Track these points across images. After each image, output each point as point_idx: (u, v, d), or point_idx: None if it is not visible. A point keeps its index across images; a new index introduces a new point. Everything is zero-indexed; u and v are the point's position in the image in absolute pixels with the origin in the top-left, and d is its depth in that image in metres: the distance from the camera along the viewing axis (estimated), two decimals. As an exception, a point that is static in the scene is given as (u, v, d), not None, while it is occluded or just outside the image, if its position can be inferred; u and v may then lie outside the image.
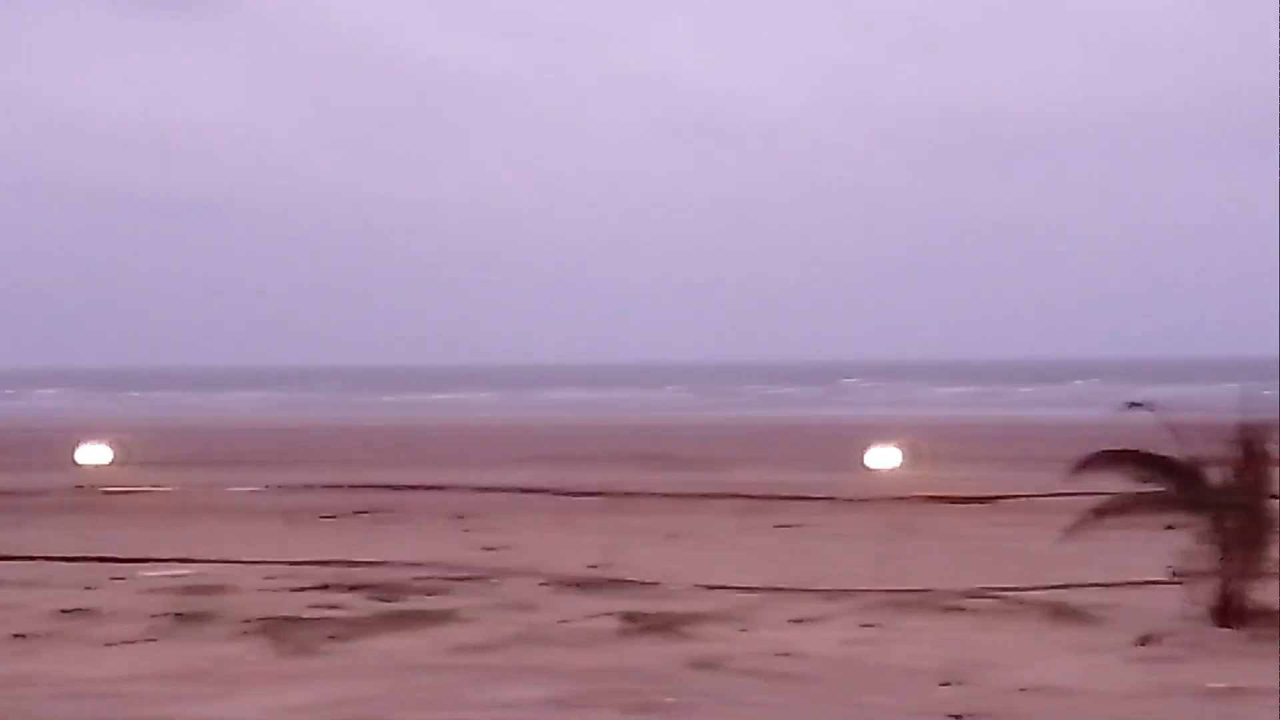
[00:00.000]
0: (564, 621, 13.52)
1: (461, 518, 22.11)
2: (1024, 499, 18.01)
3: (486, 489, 21.31)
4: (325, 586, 15.89)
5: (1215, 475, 12.78)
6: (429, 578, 16.45)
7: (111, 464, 17.83)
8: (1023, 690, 10.79)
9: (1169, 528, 13.78)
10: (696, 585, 15.63)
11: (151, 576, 16.63)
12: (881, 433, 17.80)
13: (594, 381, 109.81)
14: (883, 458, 16.06)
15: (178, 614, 13.81)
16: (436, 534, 20.51)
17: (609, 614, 13.70)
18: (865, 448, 15.73)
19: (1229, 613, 12.27)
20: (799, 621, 13.35)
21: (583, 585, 15.84)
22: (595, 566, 16.48)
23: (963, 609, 13.53)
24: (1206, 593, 12.66)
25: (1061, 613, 13.22)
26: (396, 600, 15.01)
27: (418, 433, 52.72)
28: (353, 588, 15.67)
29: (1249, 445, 12.56)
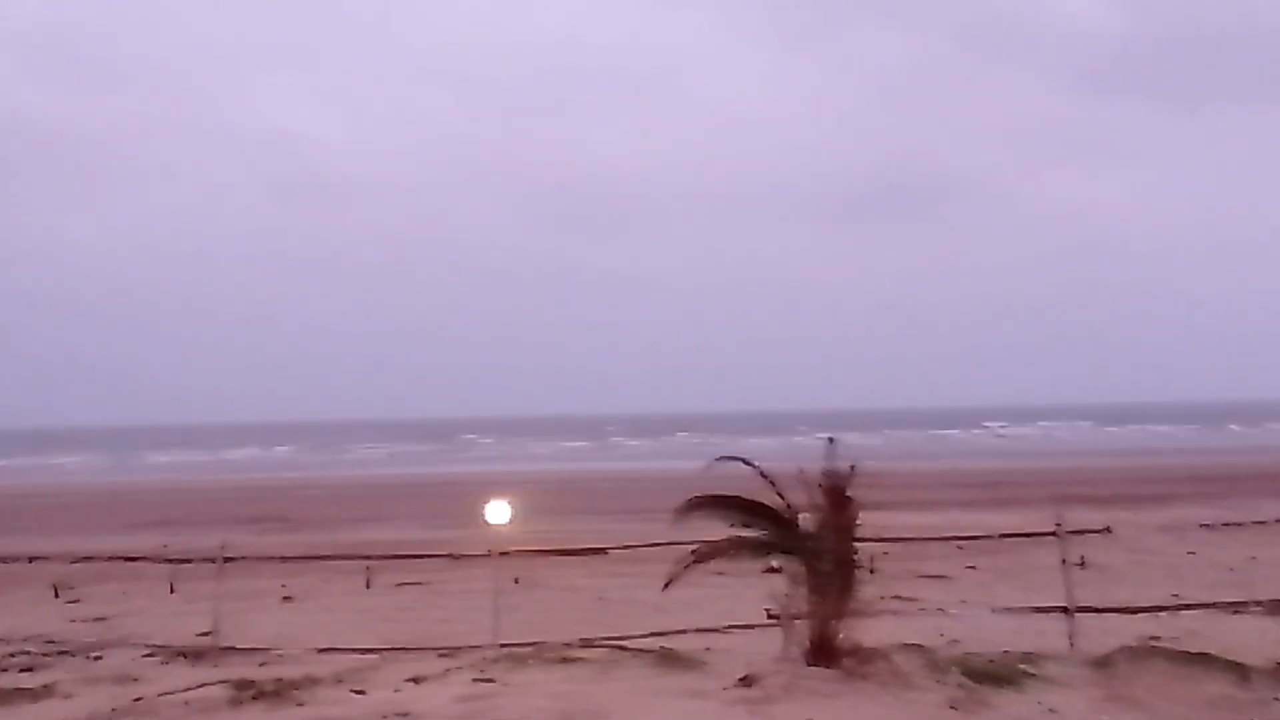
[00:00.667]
0: (167, 694, 12.93)
1: (62, 588, 20.93)
2: (633, 549, 18.38)
3: (89, 557, 20.21)
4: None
5: (806, 521, 13.33)
6: (25, 653, 15.48)
7: None
8: (630, 737, 10.98)
9: (769, 571, 14.32)
10: (312, 649, 15.25)
11: None
12: (498, 487, 17.84)
13: (199, 442, 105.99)
14: (499, 512, 16.06)
15: None
16: (34, 606, 19.33)
17: (219, 683, 13.18)
18: (483, 503, 15.70)
19: (822, 652, 12.78)
20: (416, 680, 13.17)
21: (191, 654, 15.22)
22: (206, 634, 15.85)
23: (576, 659, 13.65)
24: (801, 633, 13.16)
25: (668, 659, 13.50)
26: (-12, 678, 14.07)
27: (9, 499, 49.62)
28: (-62, 668, 14.61)
29: (834, 492, 13.16)
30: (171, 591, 21.17)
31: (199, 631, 16.11)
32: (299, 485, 55.58)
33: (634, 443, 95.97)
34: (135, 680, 13.68)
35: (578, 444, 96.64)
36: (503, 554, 15.75)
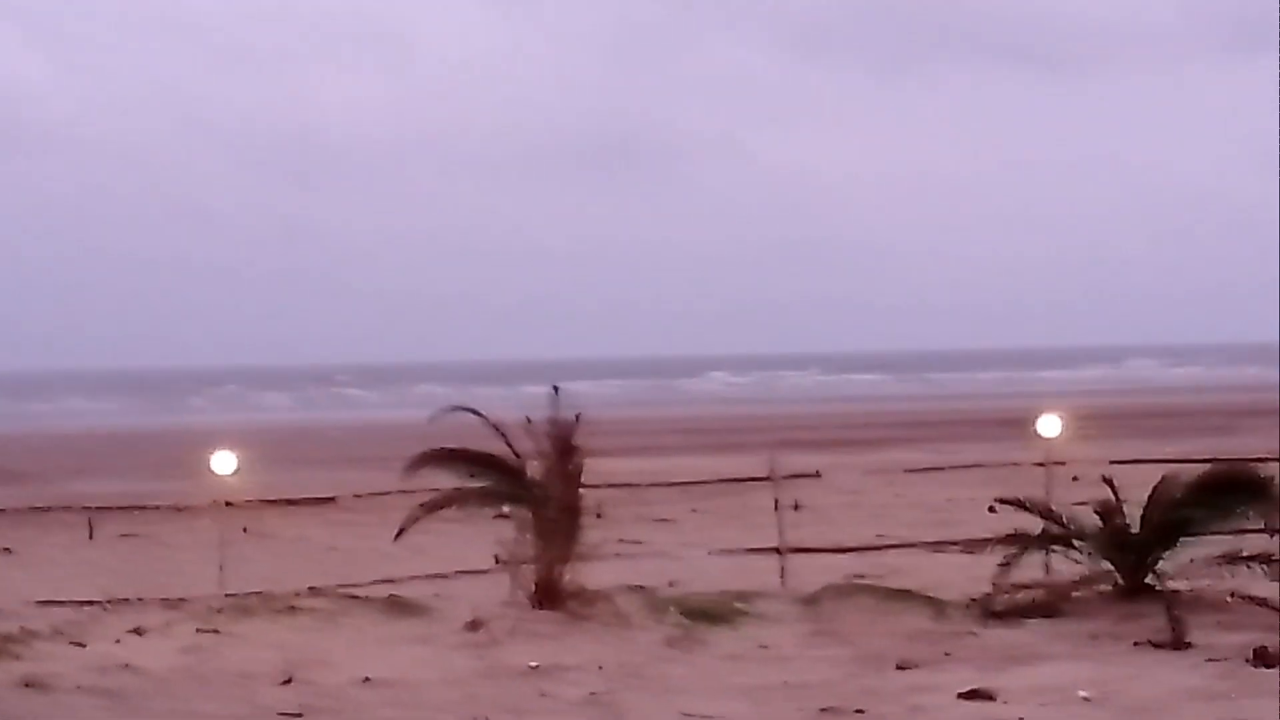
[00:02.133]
0: None
1: None
2: (362, 498, 18.25)
3: None
4: None
5: (533, 469, 13.49)
6: None
7: None
8: (358, 683, 10.96)
9: (498, 518, 14.44)
10: (30, 602, 14.69)
11: None
12: (225, 438, 17.43)
13: None
14: (223, 463, 15.70)
15: None
16: None
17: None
18: (205, 454, 15.35)
19: (548, 595, 12.99)
20: (137, 632, 12.83)
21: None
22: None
23: (301, 609, 13.49)
24: (528, 578, 13.34)
25: (396, 606, 13.49)
26: None
27: None
28: None
29: (561, 441, 13.36)
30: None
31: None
32: (10, 436, 53.19)
33: (364, 393, 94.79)
34: None
35: (306, 393, 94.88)
36: (228, 504, 15.44)
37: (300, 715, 9.81)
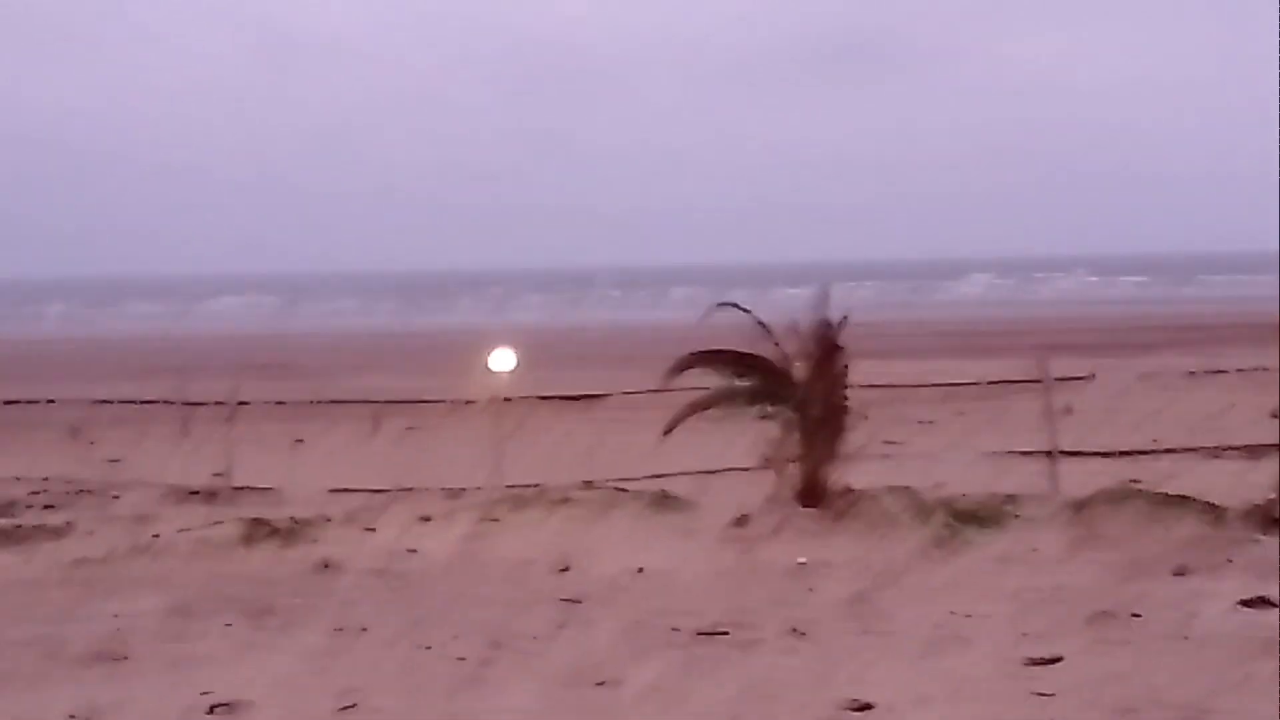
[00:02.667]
0: (184, 531, 13.16)
1: (78, 431, 21.10)
2: (628, 396, 18.54)
3: (104, 401, 20.36)
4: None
5: (799, 371, 13.47)
6: (44, 493, 15.70)
7: None
8: (631, 572, 11.23)
9: (762, 418, 14.48)
10: (322, 490, 15.47)
11: None
12: (495, 338, 17.93)
13: (180, 292, 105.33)
14: (502, 360, 16.18)
15: None
16: (53, 448, 19.51)
17: (231, 521, 13.41)
18: (480, 353, 15.82)
19: (812, 494, 13.01)
20: (422, 521, 13.41)
21: (205, 495, 15.45)
22: (219, 475, 16.05)
23: (574, 501, 13.86)
24: (792, 477, 13.38)
25: (664, 501, 13.72)
26: (10, 517, 14.29)
27: (25, 345, 49.80)
28: (-39, 506, 14.83)
29: (825, 342, 13.29)
30: (184, 435, 21.35)
31: (212, 473, 16.29)
32: (297, 335, 55.76)
33: (624, 295, 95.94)
34: (153, 518, 13.91)
35: (569, 296, 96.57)
36: (504, 400, 15.89)
37: (577, 602, 10.10)
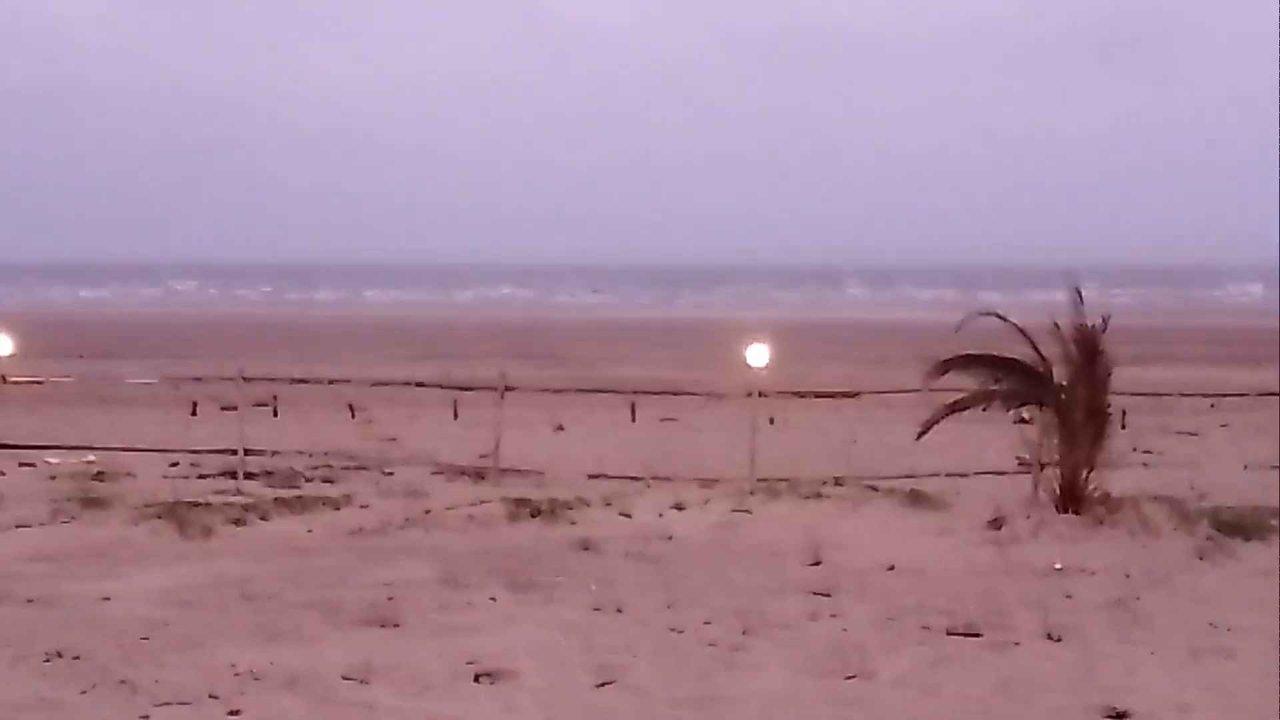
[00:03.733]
0: (453, 507, 13.58)
1: (356, 410, 22.01)
2: (883, 394, 18.35)
3: (379, 383, 21.19)
4: (225, 474, 15.80)
5: (1059, 374, 13.10)
6: (325, 466, 16.39)
7: (10, 355, 17.40)
8: (882, 568, 11.11)
9: (1019, 422, 14.16)
10: (581, 474, 15.75)
11: (57, 463, 16.36)
12: (747, 332, 17.95)
13: (435, 279, 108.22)
14: (753, 355, 16.20)
15: (83, 499, 13.61)
16: (332, 425, 20.40)
17: (495, 500, 13.78)
18: (732, 346, 15.88)
19: (1071, 498, 12.65)
20: (676, 507, 13.54)
21: (471, 474, 15.90)
22: (484, 456, 16.50)
23: (826, 495, 13.79)
24: (1051, 480, 13.03)
25: (916, 499, 13.54)
26: (293, 487, 14.97)
27: (309, 328, 52.12)
28: (251, 475, 15.59)
29: (1086, 345, 12.89)
30: (455, 417, 22.05)
31: (479, 454, 16.76)
32: (556, 324, 56.86)
33: (871, 292, 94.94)
34: (424, 494, 14.39)
35: (818, 291, 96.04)
36: (759, 394, 15.91)
37: (829, 594, 10.04)
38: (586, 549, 11.74)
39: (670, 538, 12.38)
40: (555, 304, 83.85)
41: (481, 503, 13.73)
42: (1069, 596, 10.14)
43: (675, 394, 20.59)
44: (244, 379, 17.19)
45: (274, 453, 16.60)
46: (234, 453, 16.10)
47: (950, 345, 13.61)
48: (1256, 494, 13.82)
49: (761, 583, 10.53)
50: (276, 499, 13.89)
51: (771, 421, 19.21)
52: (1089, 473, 12.65)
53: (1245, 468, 16.20)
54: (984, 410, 13.56)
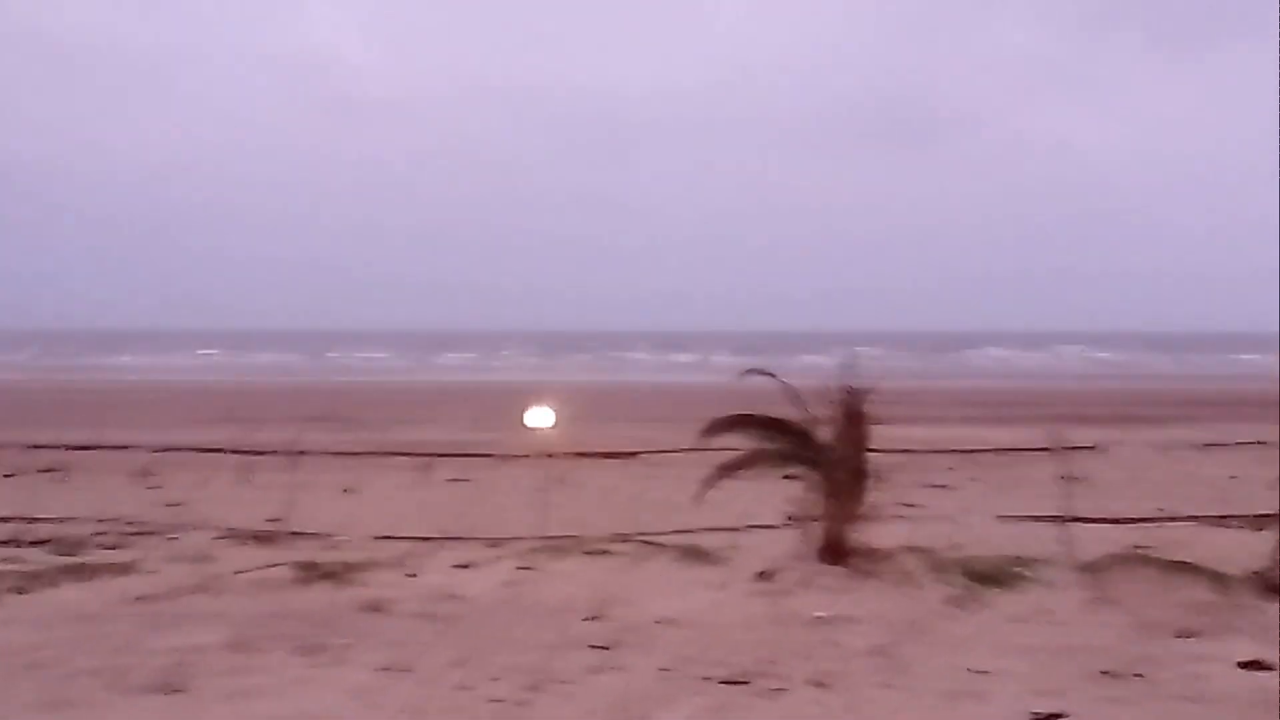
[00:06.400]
0: (241, 572, 13.16)
1: (144, 475, 21.21)
2: (665, 454, 18.52)
3: (169, 448, 20.50)
4: (7, 542, 15.03)
5: (823, 433, 13.40)
6: (111, 533, 15.74)
7: None
8: (660, 621, 11.13)
9: (787, 478, 14.42)
10: (371, 536, 15.46)
11: None
12: (537, 394, 17.97)
13: (232, 344, 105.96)
14: (542, 417, 16.21)
15: None
16: (119, 491, 19.60)
17: (284, 564, 13.40)
18: (524, 408, 15.85)
19: (835, 551, 12.91)
20: (463, 566, 13.37)
21: (260, 538, 15.45)
22: (273, 520, 16.06)
23: (609, 552, 13.80)
24: (816, 535, 13.28)
25: (693, 554, 13.64)
26: (78, 554, 14.31)
27: (99, 393, 50.17)
28: (35, 543, 14.87)
29: (850, 407, 13.23)
30: (244, 482, 21.45)
31: (268, 517, 16.32)
32: (350, 388, 56.00)
33: (659, 357, 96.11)
34: (213, 559, 13.91)
35: (607, 356, 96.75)
36: (547, 455, 15.88)
37: (608, 647, 10.02)
38: (376, 610, 11.49)
39: (459, 597, 12.20)
40: (349, 368, 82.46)
41: (271, 566, 13.33)
42: (832, 644, 10.31)
43: (466, 456, 20.44)
44: (29, 446, 16.43)
45: (60, 519, 15.87)
46: (15, 520, 15.33)
47: (728, 405, 13.82)
48: (1006, 544, 14.32)
49: (547, 639, 10.45)
50: (62, 566, 13.26)
51: (559, 481, 19.19)
52: (850, 527, 12.95)
53: (995, 519, 16.79)
54: (757, 468, 13.78)
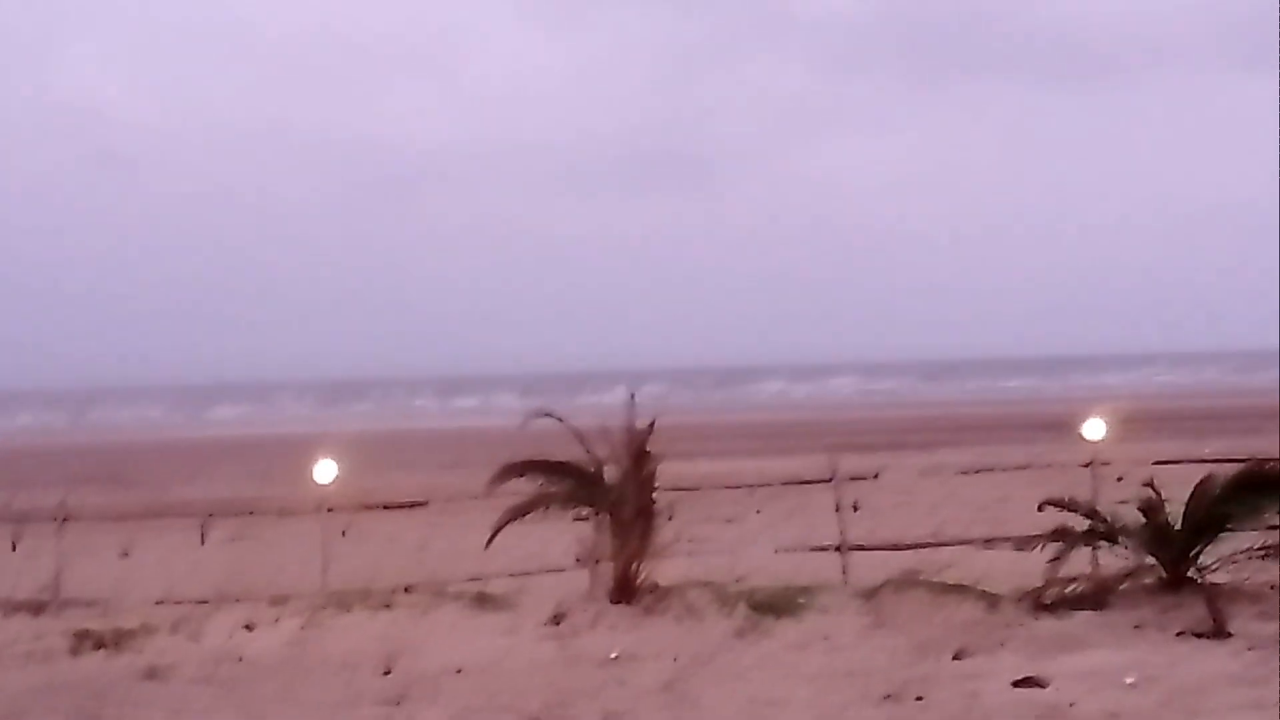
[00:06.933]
0: (12, 644, 12.54)
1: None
2: (449, 502, 18.40)
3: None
4: None
5: (609, 473, 13.52)
6: None
7: None
8: (451, 671, 11.05)
9: (577, 519, 14.48)
10: (149, 600, 14.92)
11: None
12: (322, 445, 17.62)
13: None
14: (325, 470, 15.88)
15: None
16: None
17: (59, 633, 12.83)
18: (308, 460, 15.52)
19: (624, 591, 13.01)
20: (245, 627, 13.00)
21: (30, 607, 14.74)
22: (46, 588, 15.33)
23: (397, 604, 13.60)
24: (605, 575, 13.37)
25: (484, 600, 13.56)
26: None
27: None
28: None
29: (635, 446, 13.38)
30: (14, 549, 20.45)
31: (39, 585, 15.58)
32: (120, 446, 53.99)
33: (447, 402, 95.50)
34: (-23, 633, 13.21)
35: (394, 402, 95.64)
36: (329, 509, 15.59)
37: (398, 702, 9.89)
38: (153, 678, 11.11)
39: (240, 659, 11.87)
40: (117, 425, 79.41)
41: (41, 637, 12.74)
42: (622, 683, 10.39)
43: (247, 513, 19.95)
44: None
45: None
46: None
47: (515, 448, 13.82)
48: (788, 574, 14.65)
49: (334, 696, 10.26)
50: None
51: (344, 534, 18.86)
52: (639, 565, 13.08)
53: (776, 551, 17.18)
54: (545, 510, 13.81)
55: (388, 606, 13.48)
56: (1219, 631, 11.06)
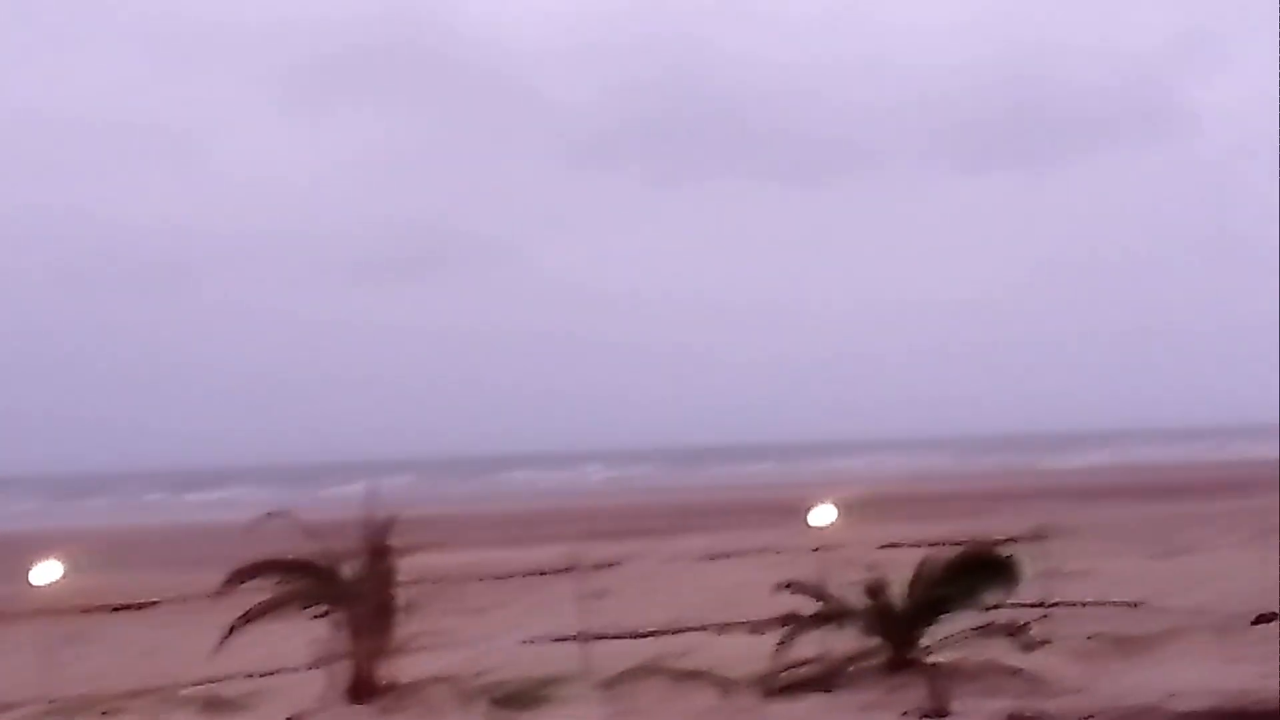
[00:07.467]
0: None
1: None
2: (182, 602, 17.72)
3: None
4: None
5: (348, 568, 13.30)
6: None
7: None
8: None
9: (318, 617, 14.16)
10: None
11: None
12: (39, 544, 16.76)
13: None
14: (47, 572, 15.10)
15: None
16: None
17: None
18: (22, 561, 14.73)
19: (362, 690, 12.78)
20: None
21: None
22: None
23: (123, 711, 13.05)
24: (344, 674, 13.09)
25: (216, 705, 13.12)
26: None
27: None
28: None
29: (373, 540, 13.23)
30: None
31: None
32: None
33: (179, 496, 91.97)
34: None
35: (122, 499, 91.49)
36: (53, 612, 14.83)
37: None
38: None
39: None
40: None
41: None
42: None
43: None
44: None
45: None
46: None
47: (251, 544, 13.44)
48: (532, 666, 14.63)
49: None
50: None
51: (70, 639, 17.91)
52: (378, 663, 12.87)
53: (522, 642, 17.13)
54: (282, 609, 13.47)
55: (113, 714, 12.89)
56: (942, 710, 11.56)
